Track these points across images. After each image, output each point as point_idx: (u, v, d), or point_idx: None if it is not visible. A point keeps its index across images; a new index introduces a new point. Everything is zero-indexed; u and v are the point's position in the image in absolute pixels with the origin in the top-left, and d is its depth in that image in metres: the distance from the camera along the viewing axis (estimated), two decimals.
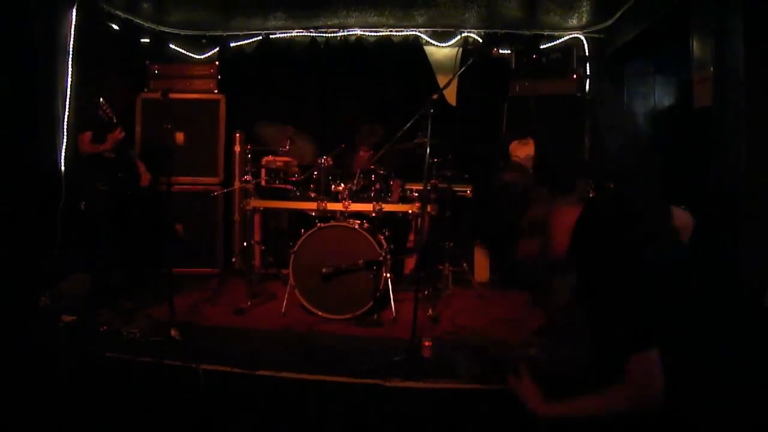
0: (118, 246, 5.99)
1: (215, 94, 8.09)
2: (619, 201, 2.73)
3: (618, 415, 2.31)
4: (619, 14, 7.11)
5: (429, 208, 6.29)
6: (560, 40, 8.10)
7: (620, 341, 2.30)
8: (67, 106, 6.56)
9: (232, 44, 8.58)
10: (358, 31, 8.35)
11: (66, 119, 6.55)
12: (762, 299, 4.34)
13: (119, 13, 7.55)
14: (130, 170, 6.03)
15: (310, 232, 5.97)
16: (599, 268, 2.41)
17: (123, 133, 5.74)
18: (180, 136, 7.51)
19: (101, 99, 5.65)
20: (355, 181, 6.32)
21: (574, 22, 7.74)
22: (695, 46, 5.38)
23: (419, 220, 6.49)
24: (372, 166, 6.45)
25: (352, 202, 6.16)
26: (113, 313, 5.35)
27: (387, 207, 6.21)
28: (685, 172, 5.59)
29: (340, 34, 8.39)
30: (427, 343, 4.52)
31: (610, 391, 2.33)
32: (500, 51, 7.93)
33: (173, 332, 4.84)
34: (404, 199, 6.51)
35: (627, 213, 2.57)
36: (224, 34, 8.53)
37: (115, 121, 5.66)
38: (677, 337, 2.32)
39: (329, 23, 8.19)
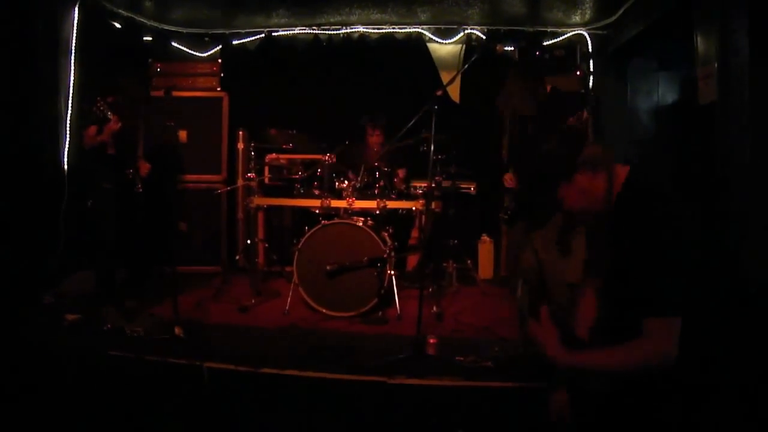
0: (123, 244, 5.97)
1: (218, 92, 8.10)
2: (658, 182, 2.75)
3: (630, 371, 2.41)
4: (622, 10, 7.09)
5: (433, 205, 6.28)
6: (563, 37, 8.07)
7: (653, 303, 2.38)
8: (70, 105, 6.56)
9: (234, 42, 8.55)
10: (361, 29, 8.33)
11: (69, 118, 6.54)
12: None
13: (121, 11, 7.53)
14: (135, 168, 6.00)
15: (314, 229, 5.97)
16: (646, 234, 2.43)
17: (119, 123, 5.70)
18: (183, 134, 7.51)
19: (98, 97, 5.63)
20: (359, 178, 6.32)
21: (577, 18, 7.72)
22: (699, 41, 5.37)
23: (423, 216, 6.49)
24: (376, 163, 6.46)
25: (356, 199, 6.16)
26: (118, 312, 5.35)
27: (391, 204, 6.20)
28: (690, 169, 5.58)
29: (343, 31, 8.36)
30: (431, 340, 4.52)
31: (631, 347, 2.40)
32: (504, 48, 7.91)
33: (177, 330, 4.83)
34: (408, 196, 6.50)
35: (672, 192, 2.62)
36: (227, 32, 8.49)
37: (110, 117, 5.64)
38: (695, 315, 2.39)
39: (332, 21, 8.17)
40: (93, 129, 5.73)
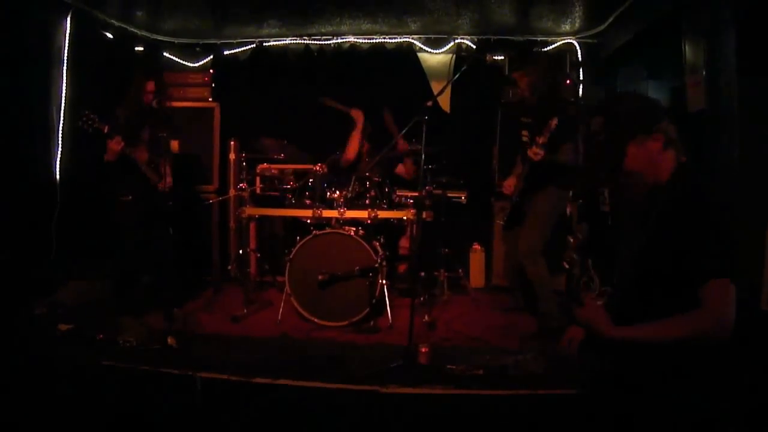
0: (142, 254, 5.95)
1: (209, 102, 8.10)
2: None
3: (686, 341, 2.42)
4: (611, 19, 7.13)
5: (424, 215, 6.30)
6: (553, 46, 8.11)
7: (703, 268, 2.42)
8: (62, 115, 6.56)
9: (225, 52, 8.57)
10: (352, 39, 8.35)
11: (61, 128, 6.55)
12: (758, 301, 4.35)
13: (113, 21, 7.54)
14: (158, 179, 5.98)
15: (305, 239, 5.98)
16: (705, 213, 2.51)
17: (122, 144, 5.67)
18: (175, 144, 7.52)
19: (86, 110, 5.60)
20: (350, 188, 6.33)
21: (566, 27, 7.76)
22: (687, 50, 5.40)
23: (414, 226, 6.50)
24: (367, 173, 6.47)
25: (348, 209, 6.17)
26: (135, 321, 5.34)
27: (382, 214, 6.21)
28: None
29: (334, 41, 8.39)
30: (423, 349, 4.52)
31: (685, 317, 2.43)
32: (494, 57, 7.94)
33: (170, 340, 4.82)
34: (399, 205, 6.51)
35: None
36: (218, 42, 8.51)
37: (106, 131, 5.61)
38: None
39: (323, 31, 8.19)
40: (115, 140, 5.67)
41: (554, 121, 5.12)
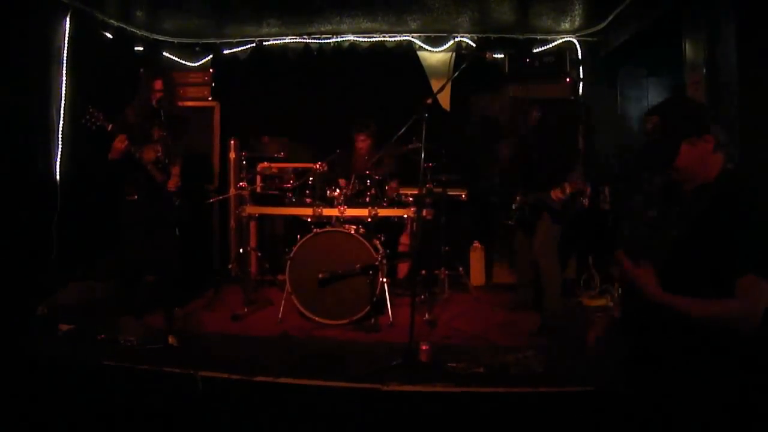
0: (146, 254, 5.93)
1: (209, 101, 8.12)
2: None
3: (718, 323, 2.58)
4: (611, 17, 7.12)
5: (424, 213, 6.29)
6: (553, 44, 8.10)
7: (742, 261, 2.56)
8: (62, 116, 6.56)
9: (225, 51, 8.55)
10: (351, 37, 8.34)
11: (61, 129, 6.54)
12: None
13: (113, 21, 7.53)
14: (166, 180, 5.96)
15: (306, 237, 5.98)
16: (750, 212, 2.63)
17: (126, 142, 5.62)
18: None
19: (90, 107, 5.55)
20: (350, 186, 6.33)
21: (566, 25, 7.75)
22: (688, 48, 5.40)
23: (414, 224, 6.50)
24: (368, 171, 6.47)
25: (348, 207, 6.17)
26: (136, 321, 5.33)
27: (382, 212, 6.22)
28: None
29: (334, 40, 8.37)
30: (424, 347, 4.52)
31: (719, 301, 2.58)
32: (493, 55, 7.93)
33: (171, 339, 4.83)
34: (399, 203, 6.51)
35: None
36: (218, 41, 8.50)
37: (109, 129, 5.56)
38: None
39: (322, 29, 8.18)
40: (119, 138, 5.63)
41: (589, 190, 5.26)
